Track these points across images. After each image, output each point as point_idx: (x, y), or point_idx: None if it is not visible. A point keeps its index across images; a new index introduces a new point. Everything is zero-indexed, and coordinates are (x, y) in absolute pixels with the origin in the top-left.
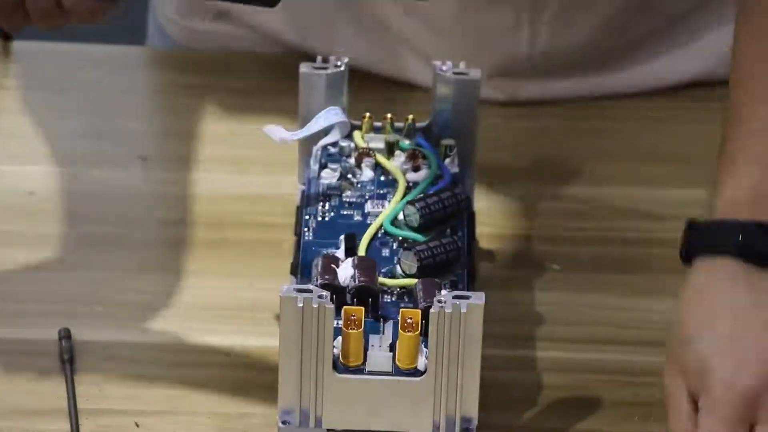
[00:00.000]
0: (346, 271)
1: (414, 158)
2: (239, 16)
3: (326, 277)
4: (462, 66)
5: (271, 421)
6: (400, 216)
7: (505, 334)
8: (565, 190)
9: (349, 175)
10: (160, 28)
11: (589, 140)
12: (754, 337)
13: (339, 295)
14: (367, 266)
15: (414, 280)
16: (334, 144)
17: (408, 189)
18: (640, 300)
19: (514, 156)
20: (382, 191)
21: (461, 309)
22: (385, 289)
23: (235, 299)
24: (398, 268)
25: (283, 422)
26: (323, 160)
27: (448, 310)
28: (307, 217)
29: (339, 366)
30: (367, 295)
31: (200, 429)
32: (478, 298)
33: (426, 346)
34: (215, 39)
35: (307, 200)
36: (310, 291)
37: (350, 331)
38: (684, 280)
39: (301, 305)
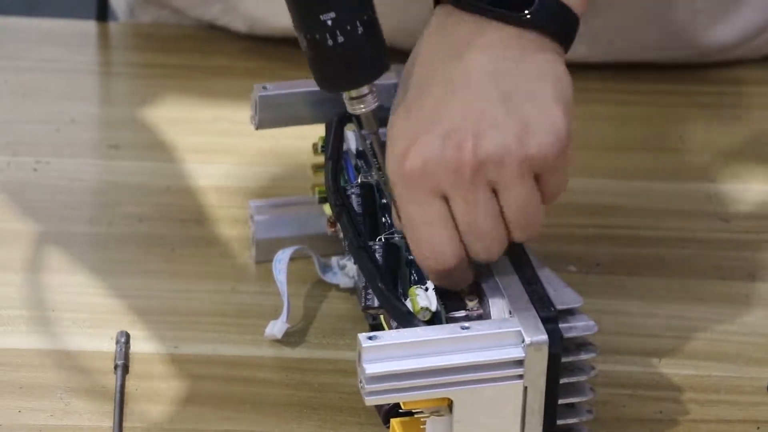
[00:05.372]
0: None
1: None
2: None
3: None
4: None
5: None
6: None
7: None
8: (583, 185)
9: None
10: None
11: (607, 129)
12: (431, 106)
13: None
14: None
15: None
16: None
17: None
18: (668, 306)
19: None
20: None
21: None
22: None
23: (216, 304)
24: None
25: None
26: None
27: None
28: None
29: None
30: None
31: None
32: None
33: None
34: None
35: None
36: None
37: None
38: None
39: None
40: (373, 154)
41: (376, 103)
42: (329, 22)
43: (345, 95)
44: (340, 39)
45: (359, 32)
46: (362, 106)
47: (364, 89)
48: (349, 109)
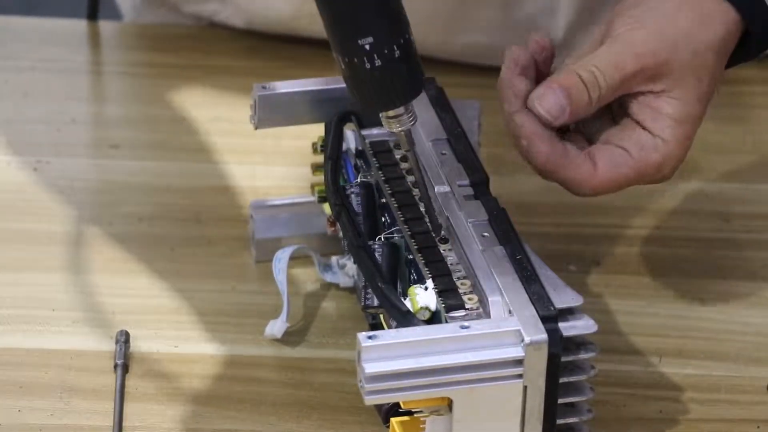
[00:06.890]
0: None
1: None
2: None
3: None
4: None
5: None
6: None
7: None
8: None
9: None
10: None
11: None
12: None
13: None
14: None
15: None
16: None
17: None
18: (668, 306)
19: None
20: None
21: None
22: None
23: (216, 304)
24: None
25: None
26: None
27: None
28: None
29: None
30: None
31: None
32: None
33: None
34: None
35: None
36: None
37: None
38: None
39: None
40: (410, 170)
41: (412, 123)
42: (367, 47)
43: (382, 114)
44: (378, 62)
45: (396, 55)
46: (398, 125)
47: (401, 109)
48: (386, 127)
